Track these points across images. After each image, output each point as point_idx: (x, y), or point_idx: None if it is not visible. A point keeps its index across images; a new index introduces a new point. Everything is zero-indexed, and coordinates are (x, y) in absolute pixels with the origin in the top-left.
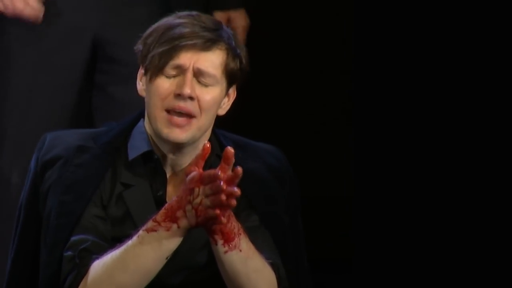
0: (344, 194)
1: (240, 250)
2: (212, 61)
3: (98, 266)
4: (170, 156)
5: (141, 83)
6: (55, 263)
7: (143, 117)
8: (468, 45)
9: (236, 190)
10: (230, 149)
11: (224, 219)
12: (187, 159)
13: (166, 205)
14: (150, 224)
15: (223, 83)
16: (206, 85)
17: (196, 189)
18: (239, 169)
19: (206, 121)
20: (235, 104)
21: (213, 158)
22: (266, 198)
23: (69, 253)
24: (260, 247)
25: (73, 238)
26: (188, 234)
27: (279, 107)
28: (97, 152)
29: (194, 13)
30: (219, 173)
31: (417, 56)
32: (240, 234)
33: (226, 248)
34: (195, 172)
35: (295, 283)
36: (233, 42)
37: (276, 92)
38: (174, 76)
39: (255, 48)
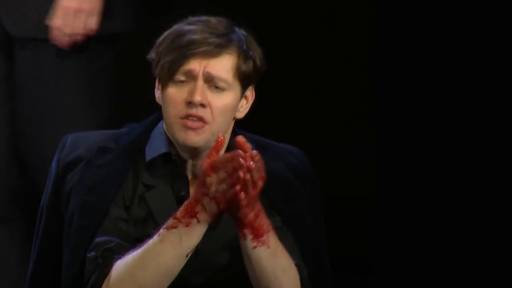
0: (365, 194)
1: (268, 247)
2: (222, 66)
3: (120, 265)
4: (190, 162)
5: (158, 92)
6: (78, 263)
7: (162, 119)
8: (493, 47)
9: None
10: (240, 137)
11: (243, 197)
12: None
13: (186, 202)
14: (170, 221)
15: (237, 87)
16: (218, 91)
17: (208, 179)
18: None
19: (220, 127)
20: (255, 105)
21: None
22: (288, 198)
23: (92, 253)
24: None
25: (97, 240)
26: (210, 235)
27: (300, 108)
28: (119, 153)
29: (204, 18)
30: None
31: (439, 55)
32: (269, 230)
33: (255, 243)
34: (205, 163)
35: (316, 284)
36: (245, 45)
37: (297, 92)
38: (185, 82)
39: (277, 49)
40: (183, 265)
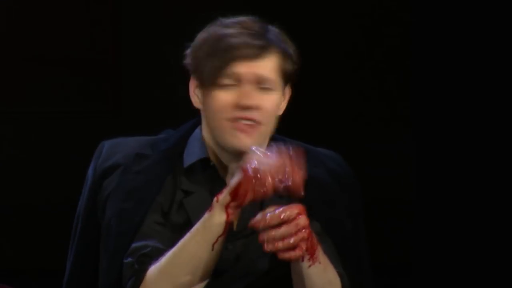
0: (404, 197)
1: (320, 262)
2: (268, 67)
3: (155, 267)
4: (232, 165)
5: (195, 96)
6: (116, 270)
7: (199, 125)
8: None
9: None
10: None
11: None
12: None
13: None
14: None
15: (280, 86)
16: (266, 92)
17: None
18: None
19: (269, 128)
20: (292, 109)
21: None
22: (327, 203)
23: (130, 259)
24: None
25: (134, 245)
26: (250, 239)
27: (337, 111)
28: (156, 159)
29: (237, 19)
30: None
31: (475, 57)
32: (318, 245)
33: (311, 262)
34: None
35: None
36: (283, 44)
37: (334, 95)
38: (231, 86)
39: (314, 52)
40: (213, 260)
